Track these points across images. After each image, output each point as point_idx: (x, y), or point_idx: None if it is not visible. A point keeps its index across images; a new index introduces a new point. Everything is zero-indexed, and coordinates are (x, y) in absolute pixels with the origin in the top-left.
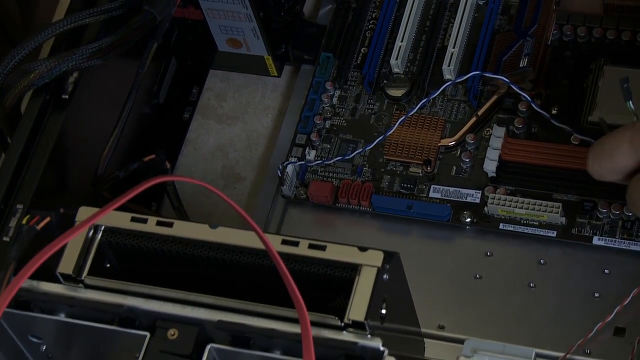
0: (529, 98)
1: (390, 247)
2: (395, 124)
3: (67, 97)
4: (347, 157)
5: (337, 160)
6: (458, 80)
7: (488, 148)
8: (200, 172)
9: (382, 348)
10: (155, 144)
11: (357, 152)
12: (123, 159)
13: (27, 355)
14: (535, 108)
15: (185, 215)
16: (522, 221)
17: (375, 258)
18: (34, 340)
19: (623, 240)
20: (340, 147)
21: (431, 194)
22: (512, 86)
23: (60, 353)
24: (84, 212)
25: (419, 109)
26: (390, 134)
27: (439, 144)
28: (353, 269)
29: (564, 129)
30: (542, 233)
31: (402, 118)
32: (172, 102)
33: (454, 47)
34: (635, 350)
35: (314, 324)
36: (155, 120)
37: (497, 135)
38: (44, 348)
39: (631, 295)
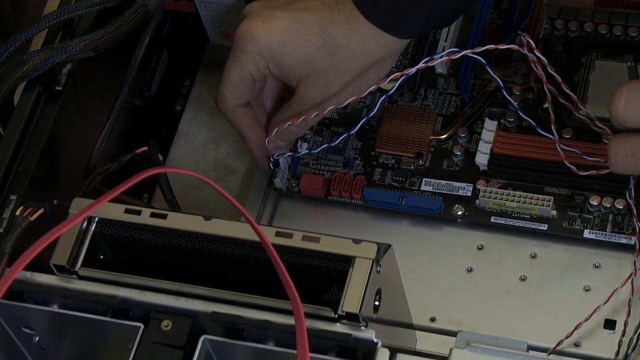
0: (515, 104)
1: (382, 240)
2: (377, 103)
3: (60, 88)
4: (333, 144)
5: (324, 148)
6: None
7: (480, 141)
8: (192, 164)
9: (375, 339)
10: (147, 136)
11: (342, 137)
12: (115, 151)
13: (19, 346)
14: (522, 115)
15: (178, 207)
16: (513, 214)
17: (369, 250)
18: (27, 331)
19: (614, 234)
20: (332, 140)
21: (423, 187)
22: (501, 86)
23: (53, 344)
24: (77, 204)
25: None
26: (382, 128)
27: (431, 137)
28: (347, 261)
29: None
30: (533, 226)
31: (383, 97)
32: (163, 95)
33: (445, 41)
34: (622, 344)
35: (308, 315)
36: (147, 113)
37: (488, 128)
38: (37, 339)
39: (620, 288)
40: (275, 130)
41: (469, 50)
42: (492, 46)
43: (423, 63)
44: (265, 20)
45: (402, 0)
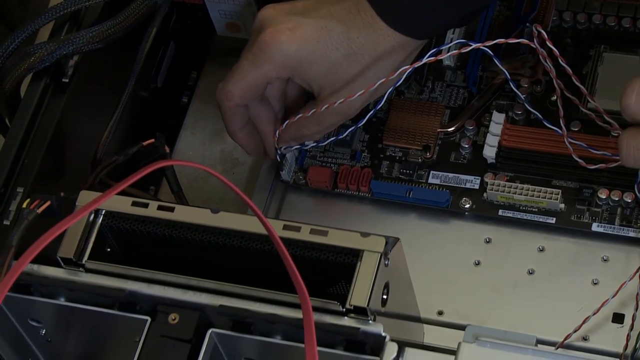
0: (523, 97)
1: (389, 233)
2: (385, 95)
3: (67, 80)
4: (340, 137)
5: (331, 141)
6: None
7: (487, 134)
8: (198, 156)
9: (383, 333)
10: (154, 129)
11: (349, 130)
12: (122, 143)
13: (26, 339)
14: (528, 108)
15: (185, 199)
16: (521, 207)
17: (377, 244)
18: (34, 324)
19: (622, 227)
20: (339, 133)
21: (430, 180)
22: (508, 78)
23: (60, 337)
24: (85, 196)
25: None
26: (389, 120)
27: (438, 130)
28: (355, 255)
29: (555, 130)
30: (541, 219)
31: (391, 89)
32: (170, 87)
33: (453, 33)
34: (630, 338)
35: (316, 309)
36: (153, 105)
37: (496, 121)
38: (44, 332)
39: (628, 281)
40: (287, 125)
41: (479, 44)
42: (502, 40)
43: (431, 57)
44: (293, 29)
45: (423, 5)
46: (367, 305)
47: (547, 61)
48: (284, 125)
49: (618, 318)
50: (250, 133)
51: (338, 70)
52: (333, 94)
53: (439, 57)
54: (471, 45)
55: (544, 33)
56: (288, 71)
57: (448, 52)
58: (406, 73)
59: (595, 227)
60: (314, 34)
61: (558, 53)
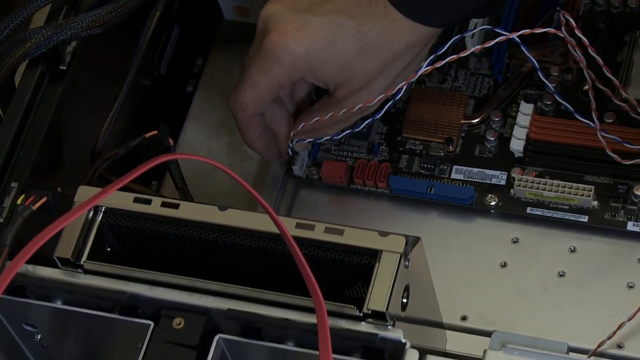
0: (552, 87)
1: (409, 232)
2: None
3: (64, 68)
4: (356, 129)
5: (347, 134)
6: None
7: (515, 126)
8: (204, 149)
9: (403, 340)
10: (156, 119)
11: (366, 121)
12: (123, 135)
13: (20, 345)
14: (558, 99)
15: (190, 196)
16: (551, 205)
17: (396, 244)
18: (29, 328)
19: None
20: (355, 125)
21: (453, 175)
22: (536, 67)
23: (56, 343)
24: (83, 192)
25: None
26: (409, 111)
27: (462, 122)
28: (373, 255)
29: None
30: (572, 218)
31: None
32: (174, 74)
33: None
34: None
35: (331, 313)
36: (156, 94)
37: (524, 112)
38: (39, 337)
39: None
40: (302, 128)
41: (509, 34)
42: (526, 31)
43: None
44: (299, 29)
45: None
46: (386, 309)
47: (577, 50)
48: (299, 127)
49: None
50: (269, 139)
51: (352, 66)
52: (351, 93)
53: (466, 53)
54: (500, 35)
55: (572, 21)
56: (300, 73)
57: (473, 39)
58: (428, 60)
59: (630, 226)
60: (322, 31)
61: (588, 43)
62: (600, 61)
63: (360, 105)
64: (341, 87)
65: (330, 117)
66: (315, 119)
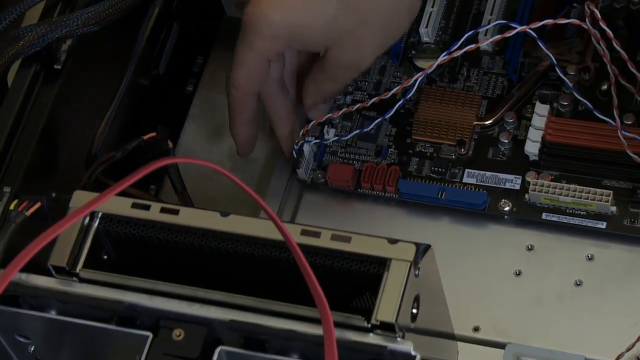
0: (571, 85)
1: (420, 239)
2: (415, 84)
3: (59, 67)
4: (364, 130)
5: (355, 135)
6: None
7: (530, 128)
8: (204, 152)
9: (413, 352)
10: (155, 120)
11: (375, 122)
12: (120, 137)
13: (12, 357)
14: (578, 97)
15: (190, 201)
16: (567, 211)
17: (406, 251)
18: (22, 340)
19: None
20: (363, 126)
21: (465, 179)
22: (554, 64)
23: (50, 355)
24: (79, 197)
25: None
26: (419, 112)
27: (474, 123)
28: (381, 264)
29: (608, 122)
30: (590, 224)
31: (422, 77)
32: (173, 74)
33: (491, 14)
34: None
35: (338, 324)
36: (155, 94)
37: (540, 113)
38: (32, 349)
39: None
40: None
41: (524, 27)
42: (549, 21)
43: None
44: None
45: None
46: (395, 320)
47: (601, 43)
48: (308, 97)
49: None
50: (253, 132)
51: (335, 27)
52: (341, 53)
53: (479, 44)
54: (516, 28)
55: (597, 12)
56: (282, 42)
57: (486, 35)
58: (439, 58)
59: None
60: None
61: (612, 35)
62: (625, 55)
63: (358, 57)
64: (331, 48)
65: (323, 71)
66: (318, 76)
